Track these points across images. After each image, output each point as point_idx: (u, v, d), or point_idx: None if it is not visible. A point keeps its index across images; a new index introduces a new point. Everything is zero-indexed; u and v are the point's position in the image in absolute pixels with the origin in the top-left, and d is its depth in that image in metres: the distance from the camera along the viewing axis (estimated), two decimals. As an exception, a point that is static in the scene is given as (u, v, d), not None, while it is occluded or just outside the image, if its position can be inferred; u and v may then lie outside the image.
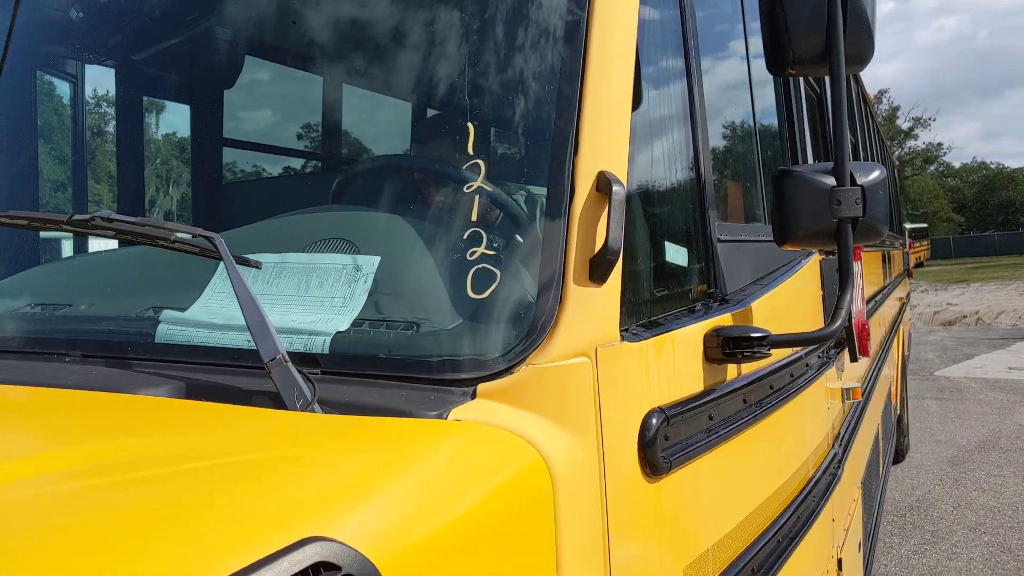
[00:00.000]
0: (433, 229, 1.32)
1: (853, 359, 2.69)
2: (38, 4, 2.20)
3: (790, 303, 2.08)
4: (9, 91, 2.28)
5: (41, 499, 0.85)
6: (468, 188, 1.28)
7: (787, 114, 2.20)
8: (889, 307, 5.81)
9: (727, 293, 1.68)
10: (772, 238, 1.65)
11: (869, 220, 1.56)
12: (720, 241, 1.67)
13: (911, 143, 57.80)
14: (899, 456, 7.19)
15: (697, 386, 1.46)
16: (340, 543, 0.84)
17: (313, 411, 1.07)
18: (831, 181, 1.55)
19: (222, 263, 1.24)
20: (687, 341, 1.45)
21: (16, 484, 0.88)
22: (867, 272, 4.43)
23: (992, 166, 73.55)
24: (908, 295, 10.37)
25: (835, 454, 2.42)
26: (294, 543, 0.80)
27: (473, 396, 1.15)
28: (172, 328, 1.28)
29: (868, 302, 3.88)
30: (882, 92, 57.42)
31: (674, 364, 1.40)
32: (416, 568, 0.92)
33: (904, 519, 5.83)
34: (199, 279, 1.33)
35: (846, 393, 2.81)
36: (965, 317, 20.33)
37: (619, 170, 1.29)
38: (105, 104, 2.65)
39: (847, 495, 2.79)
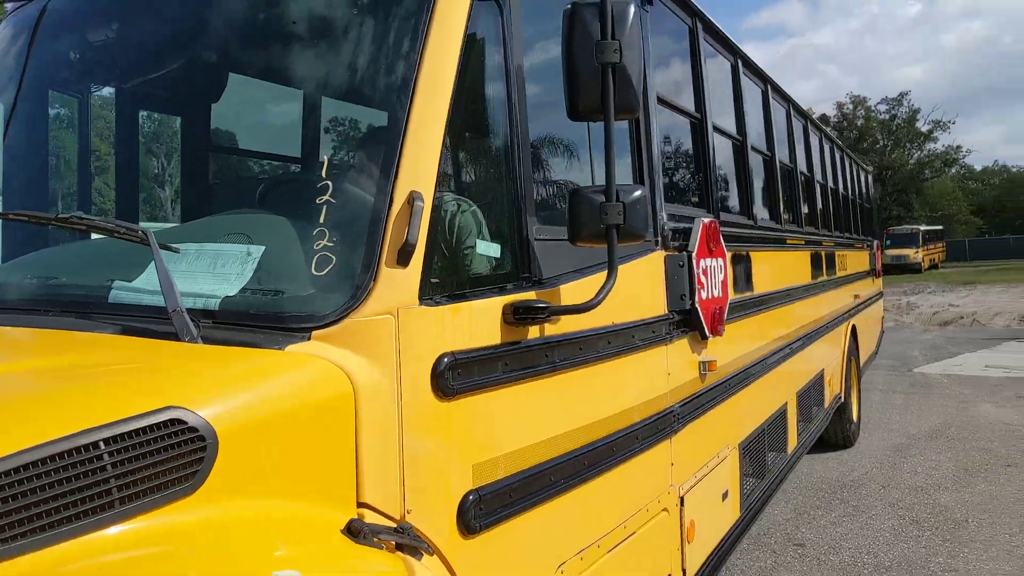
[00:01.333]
0: (295, 229, 1.96)
1: (703, 337, 3.30)
2: (48, 39, 2.83)
3: (617, 287, 2.66)
4: (25, 108, 2.91)
5: (14, 380, 1.49)
6: (319, 201, 1.90)
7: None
8: (822, 302, 6.36)
9: (542, 278, 2.29)
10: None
11: (628, 227, 2.15)
12: (536, 239, 2.28)
13: (931, 146, 57.62)
14: (847, 442, 7.73)
15: (494, 340, 2.07)
16: (192, 411, 1.46)
17: (196, 343, 1.70)
18: (601, 198, 2.14)
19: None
20: (486, 309, 2.06)
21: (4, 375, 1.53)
22: (779, 268, 5.00)
23: (1014, 170, 73.11)
24: (878, 294, 10.87)
25: (672, 411, 3.02)
26: (159, 408, 1.43)
27: (308, 338, 1.77)
28: (119, 292, 1.92)
29: (761, 296, 4.46)
30: (902, 95, 57.34)
31: (471, 324, 2.01)
32: (245, 438, 1.54)
33: (833, 495, 6.38)
34: (141, 260, 1.96)
35: (703, 365, 3.40)
36: (962, 318, 20.66)
37: (426, 191, 1.90)
38: (104, 119, 3.30)
39: (701, 449, 3.38)
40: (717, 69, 4.32)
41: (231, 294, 1.87)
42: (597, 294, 2.15)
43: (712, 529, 3.48)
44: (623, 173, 2.95)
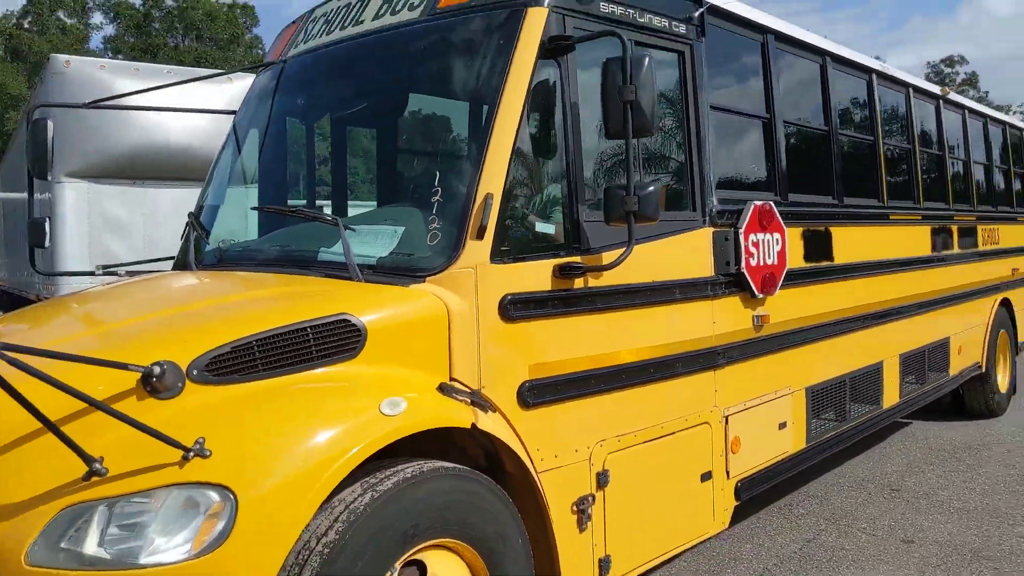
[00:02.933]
0: (421, 217, 3.20)
1: (753, 296, 4.21)
2: (287, 86, 4.25)
3: (661, 254, 3.66)
4: (274, 131, 4.38)
5: (268, 297, 2.86)
6: (434, 199, 3.13)
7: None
8: (949, 274, 6.77)
9: (590, 247, 3.36)
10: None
11: (642, 212, 3.17)
12: (585, 221, 3.36)
13: None
14: (990, 411, 7.97)
15: (545, 287, 3.20)
16: (352, 315, 2.74)
17: (361, 282, 2.99)
18: (623, 192, 3.18)
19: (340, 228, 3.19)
20: (540, 267, 3.18)
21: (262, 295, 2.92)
22: (872, 241, 5.64)
23: None
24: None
25: (716, 350, 3.98)
26: (336, 313, 2.72)
27: (423, 282, 3.00)
28: (323, 254, 3.27)
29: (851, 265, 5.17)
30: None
31: (527, 277, 3.14)
32: (383, 332, 2.79)
33: (952, 454, 6.82)
34: (336, 235, 3.28)
35: (756, 318, 4.30)
36: None
37: (496, 192, 3.06)
38: (322, 138, 4.74)
39: (753, 384, 4.27)
40: (800, 70, 5.09)
41: (383, 255, 3.15)
42: (617, 259, 3.21)
43: (763, 448, 4.37)
44: (678, 170, 3.95)
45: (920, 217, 6.46)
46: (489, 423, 2.93)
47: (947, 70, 61.19)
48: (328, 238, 3.33)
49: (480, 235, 3.02)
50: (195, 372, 2.50)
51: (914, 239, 6.33)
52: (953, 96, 7.53)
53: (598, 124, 3.34)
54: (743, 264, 4.12)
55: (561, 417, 3.27)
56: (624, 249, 3.22)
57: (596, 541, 3.39)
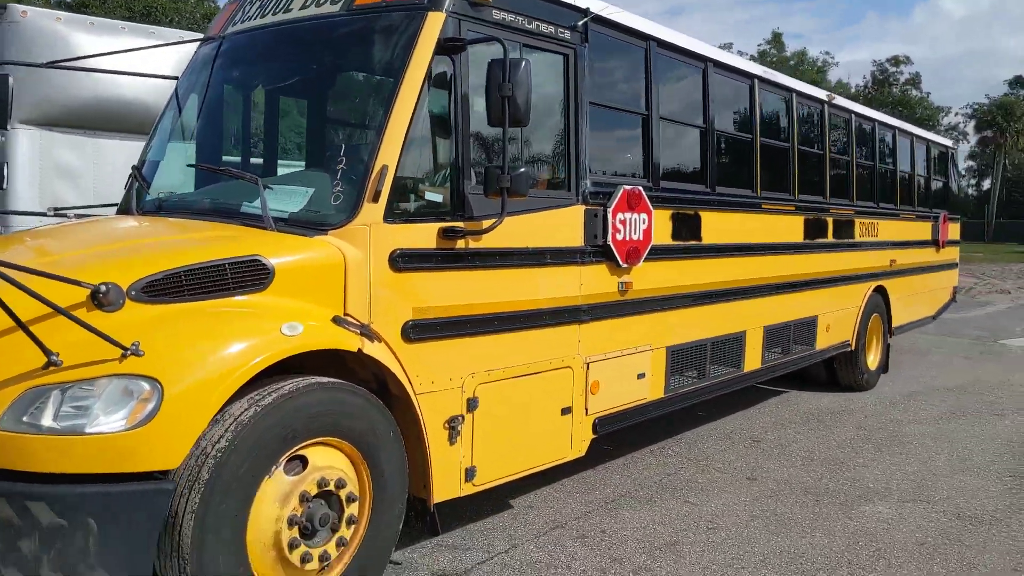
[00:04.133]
0: (328, 181, 3.88)
1: (618, 265, 4.99)
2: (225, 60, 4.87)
3: (536, 224, 4.42)
4: (212, 100, 4.99)
5: (198, 238, 3.55)
6: (339, 167, 3.82)
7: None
8: (821, 260, 7.69)
9: (474, 215, 4.08)
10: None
11: (514, 189, 3.91)
12: (470, 193, 4.08)
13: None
14: (858, 386, 8.96)
15: (431, 245, 3.92)
16: (263, 256, 3.43)
17: (272, 230, 3.67)
18: (499, 171, 3.90)
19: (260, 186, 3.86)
20: (426, 228, 3.90)
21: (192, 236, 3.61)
22: (742, 226, 6.48)
23: None
24: (945, 264, 11.62)
25: (581, 308, 4.76)
26: (249, 254, 3.41)
27: (326, 234, 3.69)
28: (246, 207, 3.94)
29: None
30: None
31: (415, 236, 3.86)
32: (288, 272, 3.49)
33: (814, 417, 7.79)
34: (257, 192, 3.95)
35: (621, 284, 5.09)
36: (1102, 300, 20.14)
37: (391, 164, 3.76)
38: (254, 106, 5.35)
39: (615, 338, 5.07)
40: (682, 73, 5.88)
41: (295, 211, 3.84)
42: (489, 227, 3.96)
43: (621, 393, 5.18)
44: (559, 156, 4.71)
45: (793, 208, 7.33)
46: (374, 350, 3.67)
47: (892, 69, 63.53)
48: (251, 194, 4.00)
49: (375, 199, 3.73)
50: (133, 292, 3.18)
51: (787, 227, 7.21)
52: (839, 101, 8.41)
53: (484, 113, 4.06)
54: (610, 238, 4.90)
55: (438, 352, 4.02)
56: (496, 219, 3.96)
57: (464, 453, 4.16)
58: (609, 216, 4.89)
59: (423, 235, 3.92)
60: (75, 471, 2.89)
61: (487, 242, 4.17)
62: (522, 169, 3.96)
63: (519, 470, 4.53)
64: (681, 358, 5.81)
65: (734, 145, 6.64)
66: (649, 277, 5.33)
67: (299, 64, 4.48)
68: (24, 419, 2.93)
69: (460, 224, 4.03)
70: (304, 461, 3.39)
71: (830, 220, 7.99)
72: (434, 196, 4.07)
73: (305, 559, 3.35)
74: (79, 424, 2.92)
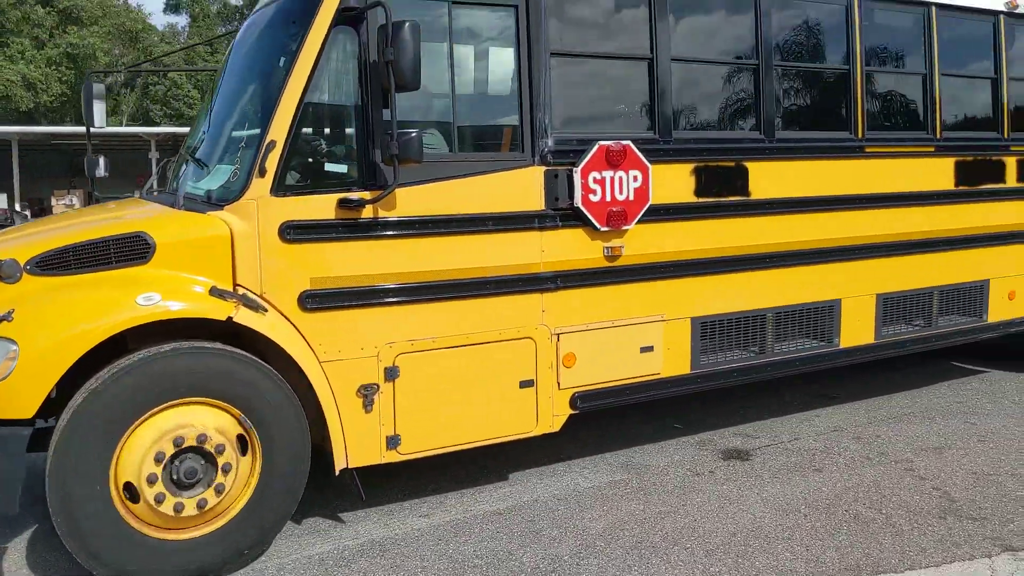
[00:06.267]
0: (236, 160, 4.12)
1: (595, 228, 4.62)
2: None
3: (476, 189, 4.26)
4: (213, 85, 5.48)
5: (93, 218, 4.03)
6: (241, 144, 4.04)
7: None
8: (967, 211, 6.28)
9: (386, 184, 4.07)
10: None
11: (403, 156, 3.83)
12: (378, 163, 4.06)
13: None
14: None
15: (329, 216, 4.00)
16: (147, 232, 3.80)
17: (178, 208, 4.01)
18: (389, 139, 3.85)
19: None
20: (324, 199, 3.98)
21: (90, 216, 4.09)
22: (816, 176, 5.55)
23: None
24: None
25: (543, 276, 4.49)
26: (135, 231, 3.79)
27: (221, 209, 3.95)
28: (189, 188, 4.34)
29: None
30: None
31: (309, 208, 3.96)
32: (172, 246, 3.82)
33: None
34: (198, 175, 4.33)
35: (607, 249, 4.68)
36: None
37: (279, 140, 3.89)
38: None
39: (600, 308, 4.70)
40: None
41: (212, 189, 4.14)
42: (378, 195, 3.93)
43: (613, 366, 4.78)
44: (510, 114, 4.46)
45: (933, 149, 6.04)
46: (253, 319, 3.86)
47: None
48: (195, 177, 4.39)
49: (262, 174, 3.90)
50: (28, 267, 3.72)
51: (916, 174, 5.96)
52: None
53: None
54: (578, 200, 4.53)
55: (345, 321, 4.10)
56: (387, 187, 3.93)
57: (384, 421, 4.21)
58: (576, 176, 4.52)
59: (320, 206, 4.01)
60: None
61: (402, 210, 4.13)
62: (413, 134, 3.86)
63: (460, 442, 4.45)
64: (719, 330, 5.18)
65: (814, 79, 5.64)
66: (654, 241, 4.83)
67: (247, 49, 4.76)
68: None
69: (361, 195, 4.04)
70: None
71: (1010, 161, 6.43)
72: (337, 167, 4.13)
73: (177, 508, 3.70)
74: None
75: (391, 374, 4.20)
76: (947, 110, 6.13)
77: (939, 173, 6.07)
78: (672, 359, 5.02)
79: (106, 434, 3.56)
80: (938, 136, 6.06)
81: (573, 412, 4.73)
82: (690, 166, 4.95)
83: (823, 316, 5.58)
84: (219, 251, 3.89)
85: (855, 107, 5.63)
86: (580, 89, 4.76)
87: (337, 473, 4.15)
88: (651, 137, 4.83)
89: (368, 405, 4.16)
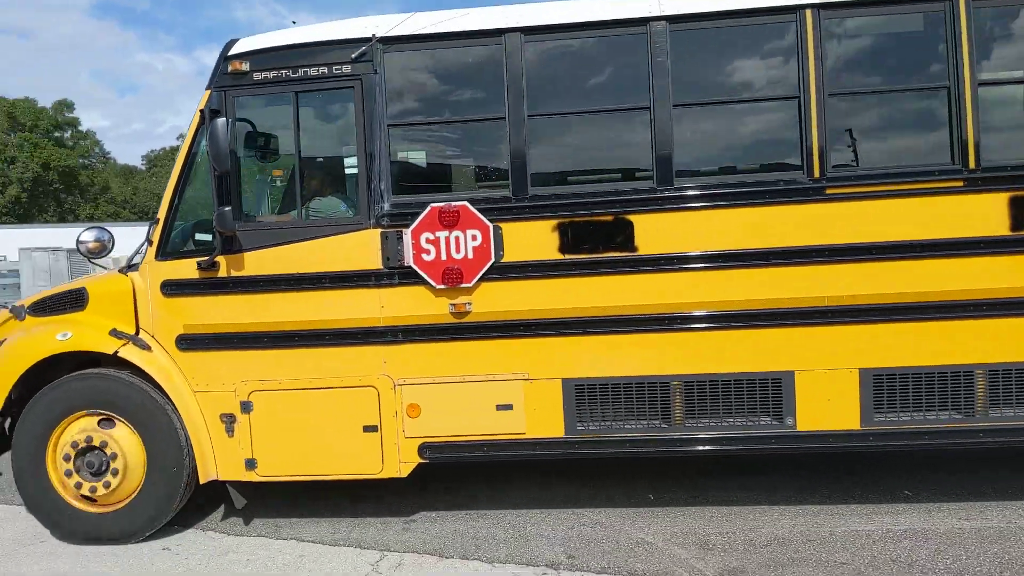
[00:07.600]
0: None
1: (434, 287, 4.87)
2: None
3: (316, 250, 4.87)
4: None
5: None
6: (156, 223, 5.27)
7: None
8: None
9: (241, 249, 4.93)
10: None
11: (218, 228, 4.68)
12: (239, 231, 4.93)
13: None
14: None
15: (193, 276, 4.99)
16: (85, 287, 5.25)
17: (119, 269, 5.39)
18: (223, 215, 4.72)
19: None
20: (189, 262, 4.99)
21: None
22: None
23: None
24: None
25: (383, 329, 4.84)
26: (80, 287, 5.28)
27: (134, 271, 5.21)
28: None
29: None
30: None
31: (180, 269, 5.01)
32: (98, 297, 5.20)
33: None
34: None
35: (452, 306, 4.81)
36: None
37: (162, 217, 5.02)
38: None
39: (448, 363, 4.83)
40: (566, 47, 4.79)
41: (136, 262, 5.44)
42: (211, 257, 4.81)
43: (464, 422, 4.85)
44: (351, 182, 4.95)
45: (962, 184, 4.61)
46: (135, 355, 5.04)
47: None
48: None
49: (151, 244, 5.08)
50: (28, 309, 5.44)
51: (925, 216, 4.63)
52: None
53: (253, 163, 4.89)
54: (410, 259, 4.78)
55: (209, 360, 5.05)
56: (217, 251, 4.83)
57: (243, 446, 5.05)
58: (407, 237, 4.78)
59: (188, 269, 5.03)
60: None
61: (251, 270, 4.95)
62: (225, 209, 4.69)
63: (310, 473, 5.03)
64: (604, 395, 4.83)
65: (733, 115, 4.79)
66: (507, 299, 4.79)
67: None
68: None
69: (209, 258, 4.94)
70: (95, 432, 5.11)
71: None
72: (202, 236, 5.09)
73: (92, 490, 5.08)
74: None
75: (246, 407, 5.01)
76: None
77: (963, 215, 4.61)
78: (539, 420, 4.87)
79: (40, 436, 5.08)
80: (965, 166, 4.62)
81: (423, 461, 4.95)
82: (552, 222, 4.76)
83: (758, 389, 4.75)
84: (126, 302, 5.17)
85: (808, 138, 4.67)
86: (422, 154, 4.98)
87: (203, 483, 5.11)
88: (502, 196, 4.80)
89: (230, 431, 5.04)
